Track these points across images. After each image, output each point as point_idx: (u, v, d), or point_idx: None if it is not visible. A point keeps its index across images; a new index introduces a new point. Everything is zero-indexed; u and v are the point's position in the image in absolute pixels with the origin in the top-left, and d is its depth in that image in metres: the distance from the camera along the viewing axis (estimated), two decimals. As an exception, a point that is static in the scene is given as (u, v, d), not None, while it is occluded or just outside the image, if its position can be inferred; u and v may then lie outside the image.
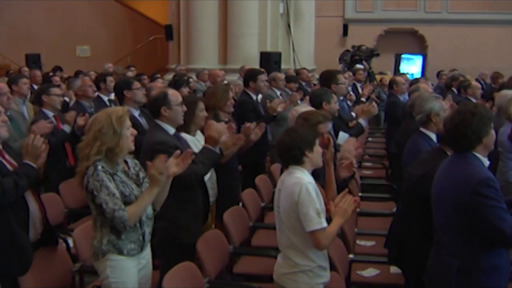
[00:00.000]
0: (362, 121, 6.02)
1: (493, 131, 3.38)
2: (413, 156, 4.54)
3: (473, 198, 3.17)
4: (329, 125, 4.53)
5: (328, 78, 6.53)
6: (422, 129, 4.75)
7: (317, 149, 3.59)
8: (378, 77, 14.60)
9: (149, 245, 3.76)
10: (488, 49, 17.89)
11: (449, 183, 3.36)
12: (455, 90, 10.19)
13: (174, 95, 4.40)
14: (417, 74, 15.90)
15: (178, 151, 3.65)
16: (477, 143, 3.31)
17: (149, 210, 3.66)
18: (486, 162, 3.38)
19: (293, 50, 15.21)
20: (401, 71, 14.76)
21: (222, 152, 4.59)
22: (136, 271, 3.62)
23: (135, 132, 3.61)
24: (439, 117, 4.56)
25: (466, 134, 3.29)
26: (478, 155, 3.33)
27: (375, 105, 6.29)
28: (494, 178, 3.30)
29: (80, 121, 6.00)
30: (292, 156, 3.56)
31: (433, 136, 4.58)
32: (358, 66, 13.74)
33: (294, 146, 3.53)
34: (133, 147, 3.60)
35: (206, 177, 4.89)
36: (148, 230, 3.67)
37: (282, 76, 8.72)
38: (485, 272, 3.27)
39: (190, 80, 9.39)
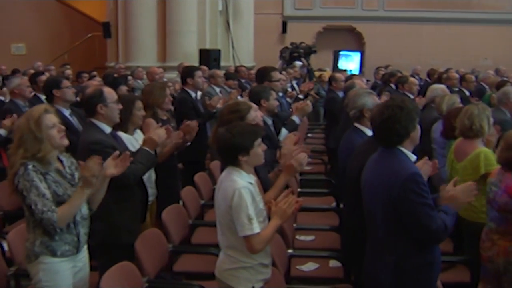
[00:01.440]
0: (295, 118, 6.05)
1: (419, 126, 3.43)
2: (347, 151, 4.61)
3: (401, 194, 3.20)
4: (257, 114, 4.54)
5: (262, 76, 6.55)
6: (356, 125, 4.81)
7: (255, 151, 3.50)
8: (317, 73, 14.77)
9: (85, 246, 3.69)
10: (423, 46, 18.34)
11: (378, 180, 3.39)
12: (393, 85, 10.41)
13: (110, 93, 4.33)
14: (355, 71, 16.17)
15: (117, 152, 3.62)
16: (405, 137, 3.35)
17: (84, 210, 3.59)
18: (413, 157, 3.42)
19: (233, 47, 15.22)
20: (340, 68, 14.92)
21: (156, 154, 4.58)
22: (70, 274, 3.53)
23: (62, 128, 3.51)
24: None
25: (395, 129, 3.32)
26: (404, 150, 3.37)
27: (310, 103, 6.34)
28: (421, 174, 3.35)
29: (7, 122, 5.87)
30: (228, 158, 3.53)
31: (367, 131, 4.64)
32: (297, 63, 13.86)
33: (229, 148, 3.49)
34: (64, 143, 3.52)
35: (145, 176, 4.86)
36: (83, 230, 3.60)
37: (221, 73, 8.73)
38: (419, 268, 3.33)
39: (129, 78, 9.30)
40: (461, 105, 6.09)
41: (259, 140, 3.54)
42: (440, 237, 3.32)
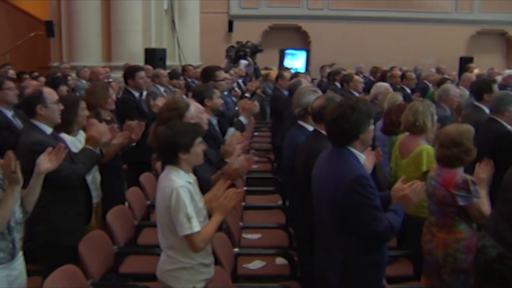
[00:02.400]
0: (242, 118, 6.07)
1: (372, 128, 3.43)
2: (291, 149, 4.64)
3: (347, 196, 3.21)
4: (205, 116, 4.53)
5: (207, 75, 6.54)
6: (300, 122, 4.84)
7: (195, 150, 3.48)
8: (263, 72, 14.82)
9: (21, 253, 3.54)
10: (367, 45, 18.59)
11: (326, 179, 3.40)
12: (338, 84, 10.54)
13: (50, 93, 4.25)
14: (301, 69, 16.26)
15: (50, 148, 3.54)
16: (354, 138, 3.35)
17: (18, 215, 3.44)
18: (362, 158, 3.44)
19: (178, 46, 15.13)
20: (285, 66, 15.00)
21: (102, 153, 4.51)
22: (6, 283, 3.37)
23: None
24: None
25: (344, 128, 3.33)
26: (354, 150, 3.38)
27: (257, 104, 6.36)
28: (368, 175, 3.36)
29: None
30: (168, 156, 3.49)
31: (311, 129, 4.67)
32: (242, 61, 13.88)
33: (170, 146, 3.45)
34: None
35: (90, 178, 4.80)
36: (18, 236, 3.44)
37: (165, 72, 8.67)
38: (367, 267, 3.35)
39: (69, 77, 9.14)
40: (402, 102, 6.21)
41: (200, 138, 3.53)
42: (386, 238, 3.36)
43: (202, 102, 5.12)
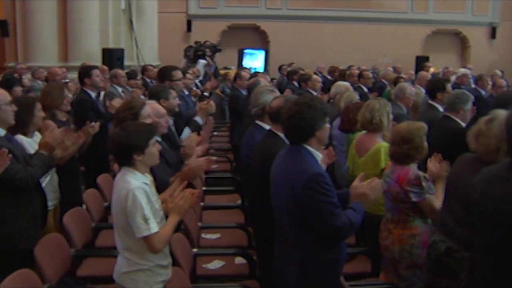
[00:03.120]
0: (198, 118, 6.05)
1: (327, 125, 3.46)
2: (249, 148, 4.64)
3: (304, 193, 3.23)
4: (166, 119, 4.51)
5: (163, 75, 6.50)
6: (257, 122, 4.86)
7: (150, 150, 3.45)
8: (222, 72, 14.81)
9: None
10: (325, 44, 18.73)
11: (283, 177, 3.41)
12: (295, 83, 10.60)
13: (2, 94, 4.18)
14: (260, 69, 16.27)
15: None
16: (309, 135, 3.37)
17: None
18: (319, 156, 3.47)
19: (136, 46, 15.02)
20: (244, 66, 15.02)
21: (56, 156, 4.47)
22: None
23: None
24: None
25: (299, 126, 3.35)
26: (311, 149, 3.40)
27: (213, 103, 6.35)
28: (325, 173, 3.38)
29: None
30: (123, 157, 3.45)
31: (268, 128, 4.69)
32: (201, 61, 13.85)
33: (124, 147, 3.41)
34: None
35: (46, 180, 4.73)
36: None
37: (123, 73, 8.59)
38: (325, 265, 3.37)
39: (23, 77, 8.98)
40: (359, 101, 6.29)
41: (154, 139, 3.50)
42: (345, 234, 3.38)
43: (158, 102, 5.10)
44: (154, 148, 3.49)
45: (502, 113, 3.67)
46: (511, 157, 2.91)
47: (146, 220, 3.29)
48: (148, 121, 4.16)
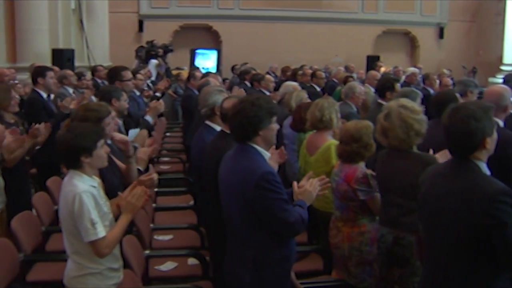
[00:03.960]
0: (148, 118, 6.03)
1: (274, 125, 3.46)
2: (199, 149, 4.65)
3: (256, 192, 3.24)
4: (115, 120, 4.47)
5: (113, 76, 6.44)
6: (207, 122, 4.87)
7: (98, 152, 3.41)
8: (175, 72, 14.73)
9: None
10: (278, 44, 18.81)
11: (233, 177, 3.42)
12: (248, 83, 10.62)
13: None
14: (213, 69, 16.28)
15: None
16: (253, 134, 3.38)
17: None
18: (267, 155, 3.48)
19: (87, 46, 14.81)
20: (196, 66, 14.97)
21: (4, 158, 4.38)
22: None
23: None
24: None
25: (242, 124, 3.36)
26: (258, 148, 3.41)
27: (162, 102, 6.33)
28: (274, 171, 3.41)
29: None
30: (70, 160, 3.39)
31: (218, 128, 4.70)
32: (153, 61, 13.75)
33: (71, 149, 3.35)
34: None
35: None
36: None
37: (73, 73, 8.47)
38: (277, 262, 3.40)
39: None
40: (309, 100, 6.34)
41: (102, 141, 3.46)
42: (298, 229, 3.41)
43: (109, 102, 5.05)
44: (102, 150, 3.44)
45: (393, 105, 3.96)
46: (454, 155, 2.98)
47: (93, 224, 3.25)
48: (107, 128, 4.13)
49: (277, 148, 4.02)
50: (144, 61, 14.30)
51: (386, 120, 3.93)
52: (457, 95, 5.56)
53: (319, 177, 3.64)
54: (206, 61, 17.36)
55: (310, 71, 11.12)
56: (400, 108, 3.90)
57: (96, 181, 3.47)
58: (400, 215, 3.86)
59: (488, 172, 2.91)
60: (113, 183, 3.97)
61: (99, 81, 10.46)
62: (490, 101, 4.59)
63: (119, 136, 4.32)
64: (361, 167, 4.27)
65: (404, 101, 4.02)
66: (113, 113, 4.40)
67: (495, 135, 2.92)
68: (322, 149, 4.97)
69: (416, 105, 4.03)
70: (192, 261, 4.85)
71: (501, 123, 4.67)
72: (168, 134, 10.83)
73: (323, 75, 10.89)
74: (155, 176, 3.95)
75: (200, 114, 5.27)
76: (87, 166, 3.39)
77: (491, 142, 2.90)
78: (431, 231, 3.06)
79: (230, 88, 11.20)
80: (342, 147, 4.37)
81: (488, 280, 2.83)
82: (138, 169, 4.55)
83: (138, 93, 8.10)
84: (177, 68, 15.77)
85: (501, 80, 11.27)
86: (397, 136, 3.87)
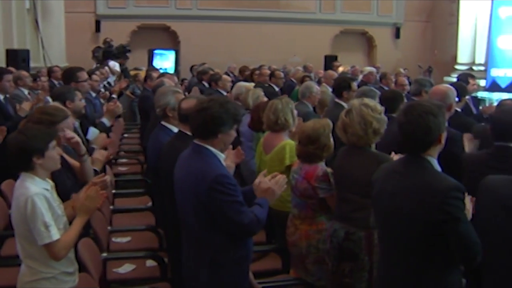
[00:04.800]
0: (104, 120, 5.97)
1: (233, 132, 3.47)
2: (155, 150, 4.63)
3: (210, 195, 3.25)
4: (71, 122, 4.42)
5: (68, 76, 6.38)
6: (163, 123, 4.85)
7: (50, 154, 3.36)
8: (133, 72, 14.60)
9: None
10: (236, 44, 18.77)
11: (187, 179, 3.42)
12: (206, 83, 10.61)
13: None
14: (171, 69, 16.19)
15: None
16: (213, 134, 3.38)
17: None
18: (222, 156, 3.49)
19: (43, 47, 14.55)
20: (155, 66, 14.87)
21: None
22: None
23: None
24: (175, 111, 4.66)
25: (205, 121, 3.36)
26: (213, 150, 3.42)
27: (119, 105, 6.27)
28: (228, 173, 3.42)
29: None
30: (22, 162, 3.33)
31: (174, 129, 4.69)
32: (110, 62, 13.60)
33: (23, 151, 3.30)
34: None
35: None
36: None
37: (28, 74, 8.34)
38: (234, 262, 3.42)
39: None
40: (265, 98, 6.38)
41: (54, 142, 3.42)
42: (253, 230, 3.43)
43: (63, 104, 4.99)
44: (54, 151, 3.40)
45: (355, 102, 4.05)
46: (407, 153, 3.04)
47: (47, 227, 3.21)
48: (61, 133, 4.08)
49: (234, 147, 4.03)
50: (101, 61, 14.11)
51: (346, 116, 4.00)
52: (403, 94, 5.68)
53: (273, 173, 3.66)
54: (164, 61, 17.24)
55: (268, 71, 11.16)
56: (362, 106, 3.96)
57: (49, 184, 3.42)
58: (352, 211, 3.92)
59: (439, 169, 2.99)
60: (67, 185, 3.93)
61: (56, 82, 10.30)
62: (436, 99, 4.70)
63: (69, 134, 4.27)
64: (321, 166, 4.31)
65: (368, 100, 4.09)
66: (70, 119, 4.36)
67: (446, 132, 3.00)
68: (277, 148, 4.99)
69: (378, 105, 4.08)
70: (150, 262, 4.84)
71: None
72: (126, 135, 10.73)
73: (281, 75, 10.94)
74: (107, 178, 3.91)
75: (155, 115, 5.25)
76: (39, 168, 3.34)
77: (444, 138, 2.98)
78: (386, 228, 3.11)
79: (188, 89, 11.19)
80: (300, 148, 4.40)
81: (442, 274, 2.91)
82: (95, 170, 4.50)
83: (94, 94, 8.02)
84: (135, 69, 15.63)
85: (455, 79, 11.49)
86: (355, 133, 3.93)
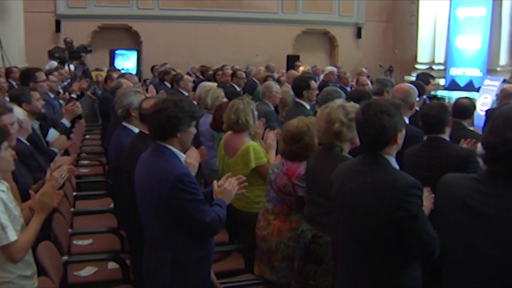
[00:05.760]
0: (64, 121, 5.90)
1: (192, 129, 3.47)
2: (116, 151, 4.60)
3: (171, 194, 3.24)
4: (11, 117, 4.33)
5: (26, 77, 6.29)
6: (124, 124, 4.82)
7: (2, 155, 3.30)
8: (94, 73, 14.45)
9: None
10: (198, 44, 18.73)
11: (148, 179, 3.40)
12: (168, 84, 10.56)
13: None
14: (132, 70, 16.08)
15: None
16: (171, 134, 3.38)
17: None
18: (183, 156, 3.49)
19: (1, 47, 14.29)
20: (117, 67, 14.74)
21: None
22: None
23: None
24: (138, 111, 4.62)
25: (162, 122, 3.36)
26: (174, 149, 3.41)
27: (79, 105, 6.21)
28: (189, 172, 3.41)
29: None
30: None
31: (135, 130, 4.66)
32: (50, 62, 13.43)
33: None
34: None
35: None
36: None
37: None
38: (196, 262, 3.41)
39: None
40: (225, 99, 6.38)
41: (6, 143, 3.36)
42: (216, 229, 3.42)
43: (20, 106, 4.91)
44: (6, 152, 3.35)
45: (337, 101, 4.02)
46: (366, 151, 3.08)
47: (3, 228, 3.15)
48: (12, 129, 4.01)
49: (196, 147, 4.02)
50: (61, 62, 13.92)
51: (321, 112, 3.99)
52: (370, 93, 5.73)
53: (236, 176, 3.67)
54: (126, 61, 17.11)
55: (230, 71, 11.17)
56: (339, 106, 3.91)
57: (4, 186, 3.37)
58: (319, 214, 3.92)
59: (397, 167, 3.03)
60: (26, 185, 3.87)
61: (14, 83, 10.12)
62: (398, 98, 4.81)
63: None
64: (304, 164, 4.28)
65: (351, 104, 3.98)
66: (28, 121, 4.30)
67: (404, 131, 3.04)
68: (241, 151, 4.95)
69: (354, 113, 3.92)
70: (112, 265, 4.79)
71: (407, 120, 4.88)
72: (87, 136, 10.61)
73: (243, 75, 10.96)
74: (63, 167, 3.87)
75: (116, 116, 5.21)
76: None
77: (401, 137, 3.02)
78: (346, 227, 3.14)
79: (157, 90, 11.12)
80: (283, 146, 4.37)
81: (402, 271, 2.96)
82: None
83: (52, 96, 7.91)
84: (97, 69, 15.46)
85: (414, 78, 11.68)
86: (319, 129, 3.94)
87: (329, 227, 3.73)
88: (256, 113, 5.16)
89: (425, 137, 4.44)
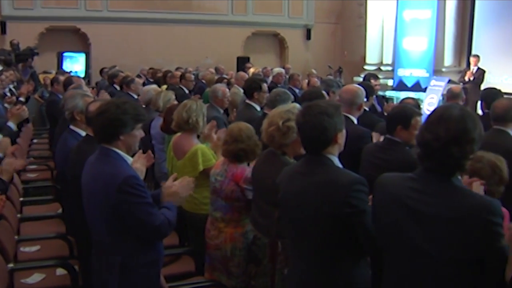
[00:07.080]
0: (10, 124, 5.79)
1: (137, 132, 3.43)
2: (63, 154, 4.54)
3: (119, 197, 3.20)
4: None
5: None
6: (71, 127, 4.77)
7: None
8: (42, 76, 14.20)
9: None
10: (148, 46, 18.57)
11: (95, 183, 3.36)
12: (117, 86, 10.47)
13: None
14: (81, 72, 15.87)
15: None
16: (113, 137, 3.34)
17: None
18: (129, 159, 3.46)
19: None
20: (65, 70, 14.51)
21: None
22: None
23: None
24: (83, 115, 4.58)
25: (104, 125, 3.33)
26: (120, 152, 3.38)
27: (25, 108, 6.10)
28: (137, 175, 3.37)
29: None
30: None
31: (83, 133, 4.61)
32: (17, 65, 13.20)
33: None
34: None
35: None
36: None
37: None
38: (145, 266, 3.38)
39: None
40: (176, 102, 6.36)
41: None
42: (165, 232, 3.40)
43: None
44: None
45: (292, 105, 4.04)
46: (308, 152, 3.12)
47: None
48: None
49: (145, 151, 3.99)
50: (7, 64, 13.63)
51: (265, 118, 4.02)
52: (324, 92, 5.80)
53: (183, 177, 3.66)
54: (75, 64, 16.87)
55: (179, 73, 11.15)
56: (287, 109, 3.93)
57: None
58: (259, 216, 3.97)
59: (340, 165, 3.07)
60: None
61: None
62: (346, 99, 4.89)
63: None
64: (248, 167, 4.29)
65: (295, 107, 3.95)
66: None
67: (344, 130, 3.09)
68: (189, 154, 4.93)
69: (294, 121, 3.58)
70: (60, 271, 4.70)
71: (355, 120, 4.95)
72: (35, 140, 10.41)
73: (192, 77, 10.94)
74: None
75: (64, 119, 5.15)
76: None
77: (342, 137, 3.07)
78: (295, 228, 3.17)
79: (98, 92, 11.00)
80: (225, 147, 4.39)
81: (351, 267, 3.00)
82: (2, 180, 4.37)
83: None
84: (44, 72, 15.19)
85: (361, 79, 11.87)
86: (263, 128, 3.96)
87: (266, 229, 3.78)
88: (205, 118, 5.16)
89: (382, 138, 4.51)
